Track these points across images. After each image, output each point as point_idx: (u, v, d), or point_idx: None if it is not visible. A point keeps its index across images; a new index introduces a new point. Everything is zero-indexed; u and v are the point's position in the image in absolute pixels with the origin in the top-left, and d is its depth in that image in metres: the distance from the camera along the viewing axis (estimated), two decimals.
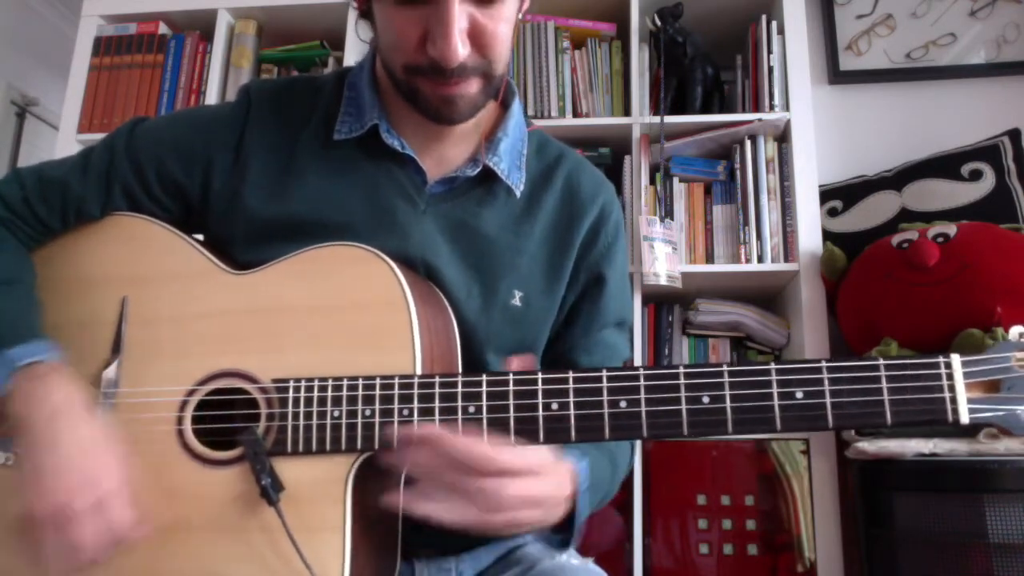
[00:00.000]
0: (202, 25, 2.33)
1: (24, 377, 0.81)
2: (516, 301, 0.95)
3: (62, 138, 2.27)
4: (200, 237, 0.95)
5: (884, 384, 0.72)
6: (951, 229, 1.77)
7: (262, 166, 0.95)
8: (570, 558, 0.93)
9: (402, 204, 0.94)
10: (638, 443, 1.04)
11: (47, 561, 0.77)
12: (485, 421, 0.76)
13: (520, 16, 0.91)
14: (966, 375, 0.71)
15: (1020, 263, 1.68)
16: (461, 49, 0.81)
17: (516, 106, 1.01)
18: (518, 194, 0.98)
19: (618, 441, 0.97)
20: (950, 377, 0.71)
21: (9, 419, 0.81)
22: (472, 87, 0.86)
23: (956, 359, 0.71)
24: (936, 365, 0.71)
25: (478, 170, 0.95)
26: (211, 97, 2.26)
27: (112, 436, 0.81)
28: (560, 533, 0.85)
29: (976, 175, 2.01)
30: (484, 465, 0.72)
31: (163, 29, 2.36)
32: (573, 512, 0.81)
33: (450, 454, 0.73)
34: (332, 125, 0.96)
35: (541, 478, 0.75)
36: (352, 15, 2.16)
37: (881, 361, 0.72)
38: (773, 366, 0.74)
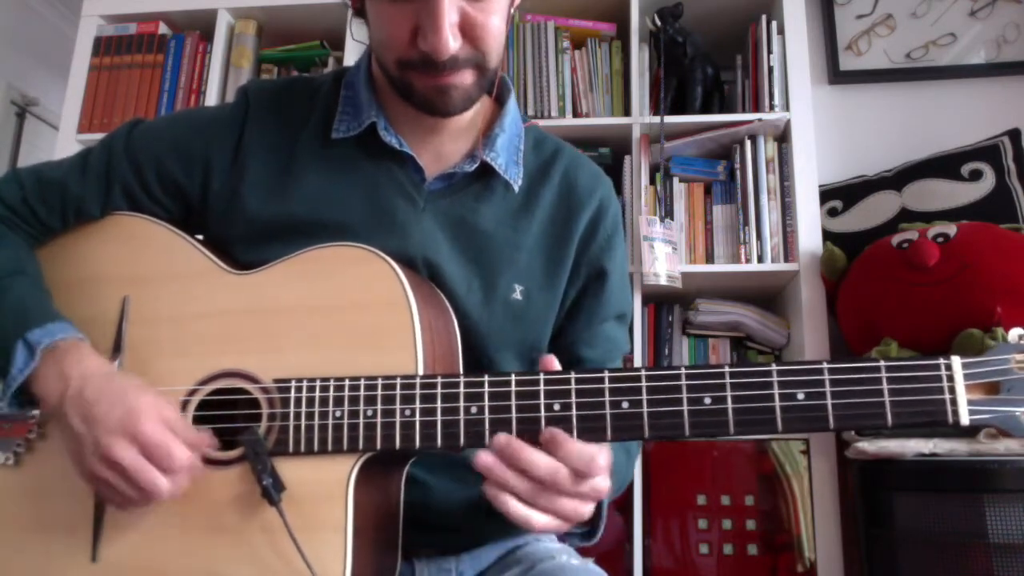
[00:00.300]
0: (202, 25, 2.34)
1: (48, 356, 0.82)
2: (517, 295, 0.95)
3: (62, 138, 2.28)
4: (200, 237, 0.95)
5: (885, 385, 0.72)
6: (951, 229, 1.77)
7: (261, 167, 0.95)
8: (570, 558, 0.93)
9: (401, 202, 0.94)
10: None
11: (128, 508, 0.79)
12: (487, 422, 0.76)
13: (513, 10, 0.91)
14: (966, 376, 0.71)
15: (1020, 263, 1.68)
16: (452, 42, 0.82)
17: (512, 102, 1.01)
18: (516, 189, 0.98)
19: None
20: (950, 379, 0.71)
21: (39, 399, 0.82)
22: (466, 78, 0.87)
23: (956, 361, 0.71)
24: (936, 367, 0.71)
25: (476, 166, 0.96)
26: (211, 97, 2.26)
27: (145, 386, 0.81)
28: (582, 527, 0.85)
29: (976, 175, 2.01)
30: (590, 468, 0.73)
31: (163, 29, 2.36)
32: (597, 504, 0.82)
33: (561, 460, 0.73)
34: (330, 125, 0.96)
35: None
36: (349, 11, 2.17)
37: (882, 362, 0.72)
38: (774, 367, 0.74)
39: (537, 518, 0.74)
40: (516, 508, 0.73)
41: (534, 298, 0.96)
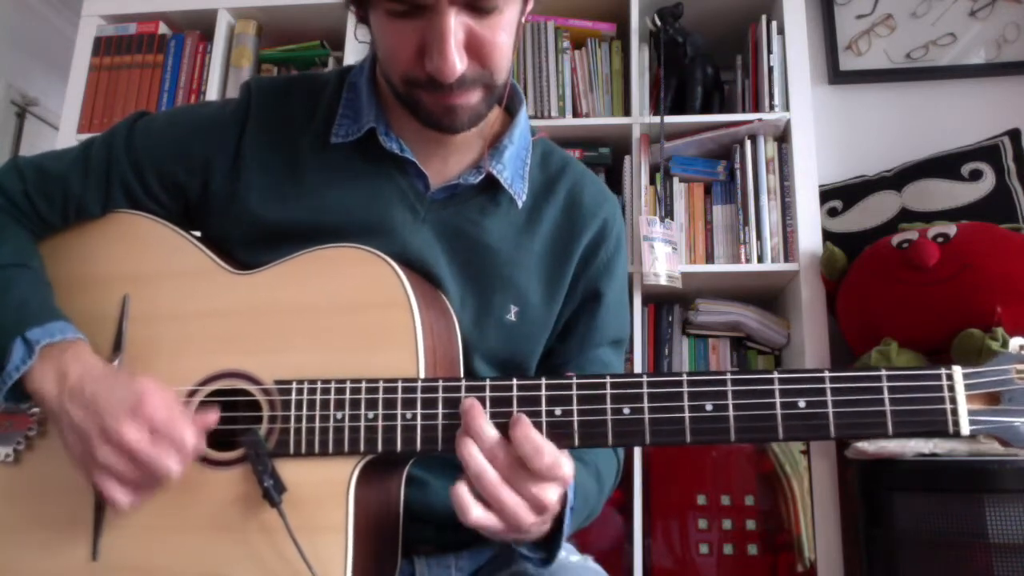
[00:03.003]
0: (202, 25, 2.33)
1: (46, 355, 0.81)
2: (511, 316, 0.94)
3: (62, 138, 2.28)
4: (197, 233, 0.95)
5: (886, 395, 0.72)
6: (951, 229, 1.77)
7: (262, 168, 0.94)
8: (569, 555, 0.92)
9: (401, 210, 0.93)
10: (622, 455, 1.02)
11: (128, 500, 0.77)
12: None
13: (524, 18, 0.88)
14: (967, 387, 0.71)
15: (1020, 263, 1.68)
16: (459, 64, 0.79)
17: (523, 114, 0.99)
18: (520, 204, 0.96)
19: (605, 454, 0.97)
20: (951, 389, 0.71)
21: (35, 396, 0.82)
22: (473, 97, 0.84)
23: (958, 371, 0.71)
24: (938, 376, 0.71)
25: (480, 178, 0.94)
26: (211, 97, 2.25)
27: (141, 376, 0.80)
28: (538, 552, 0.82)
29: (976, 175, 2.02)
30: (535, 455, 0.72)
31: (163, 29, 2.36)
32: (555, 531, 0.79)
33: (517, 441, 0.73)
34: (331, 127, 0.95)
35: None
36: (352, 16, 2.17)
37: (883, 372, 0.72)
38: (776, 375, 0.73)
39: (469, 499, 0.72)
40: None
41: (528, 319, 0.95)
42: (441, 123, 0.87)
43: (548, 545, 0.80)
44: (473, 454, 0.73)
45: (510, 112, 1.00)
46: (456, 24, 0.78)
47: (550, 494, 0.73)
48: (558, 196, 0.99)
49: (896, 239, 1.83)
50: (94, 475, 0.77)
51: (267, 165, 0.94)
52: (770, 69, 2.11)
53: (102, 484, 0.77)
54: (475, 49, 0.81)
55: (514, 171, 0.96)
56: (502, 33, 0.82)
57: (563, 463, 0.73)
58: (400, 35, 0.81)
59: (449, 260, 0.93)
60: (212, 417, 0.80)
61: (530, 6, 0.89)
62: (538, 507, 0.73)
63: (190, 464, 0.78)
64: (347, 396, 0.79)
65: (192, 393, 0.84)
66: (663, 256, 1.99)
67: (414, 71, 0.82)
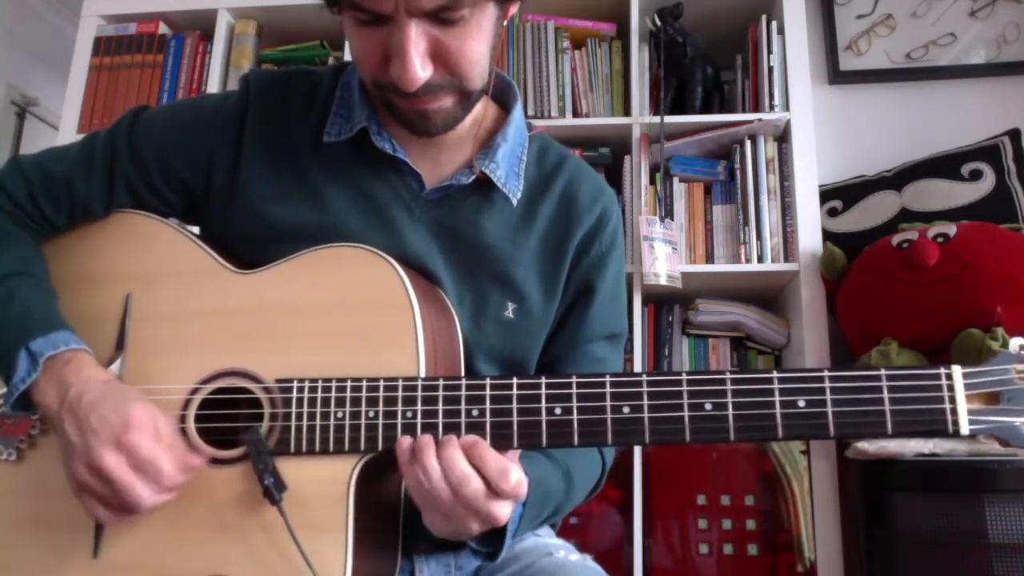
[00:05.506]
0: (202, 25, 2.34)
1: (50, 367, 0.81)
2: (509, 313, 0.94)
3: (62, 138, 2.28)
4: (196, 230, 0.95)
5: (885, 394, 0.72)
6: (951, 229, 1.77)
7: (261, 163, 0.94)
8: (568, 554, 0.93)
9: (397, 210, 0.92)
10: (609, 459, 1.02)
11: (111, 519, 0.79)
12: (489, 425, 0.76)
13: (506, 21, 0.87)
14: (966, 386, 0.71)
15: (1020, 263, 1.68)
16: (420, 72, 0.78)
17: (517, 110, 0.98)
18: (515, 202, 0.95)
19: (583, 457, 0.96)
20: (951, 388, 0.71)
21: (39, 408, 0.82)
22: (445, 102, 0.84)
23: (957, 370, 0.71)
24: (937, 376, 0.72)
25: (473, 178, 0.93)
26: None
27: (143, 397, 0.81)
28: (488, 545, 0.83)
29: (976, 175, 2.02)
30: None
31: (163, 29, 2.36)
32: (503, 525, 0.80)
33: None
34: (325, 126, 0.94)
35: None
36: None
37: (883, 371, 0.72)
38: (775, 374, 0.74)
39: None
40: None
41: (527, 315, 0.95)
42: (414, 126, 0.87)
43: (494, 540, 0.82)
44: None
45: (505, 108, 0.99)
46: (417, 35, 0.77)
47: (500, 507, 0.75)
48: (554, 192, 0.98)
49: (896, 239, 1.83)
50: (76, 492, 0.79)
51: (266, 161, 0.94)
52: (770, 69, 2.11)
53: (83, 502, 0.79)
54: (441, 58, 0.80)
55: (508, 169, 0.95)
56: (470, 41, 0.80)
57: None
58: (366, 42, 0.81)
59: (445, 259, 0.93)
60: (197, 460, 0.80)
61: (513, 10, 0.87)
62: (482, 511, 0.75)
63: (168, 496, 0.79)
64: (348, 394, 0.79)
65: (194, 391, 0.84)
66: (663, 256, 1.99)
67: (381, 76, 0.82)
